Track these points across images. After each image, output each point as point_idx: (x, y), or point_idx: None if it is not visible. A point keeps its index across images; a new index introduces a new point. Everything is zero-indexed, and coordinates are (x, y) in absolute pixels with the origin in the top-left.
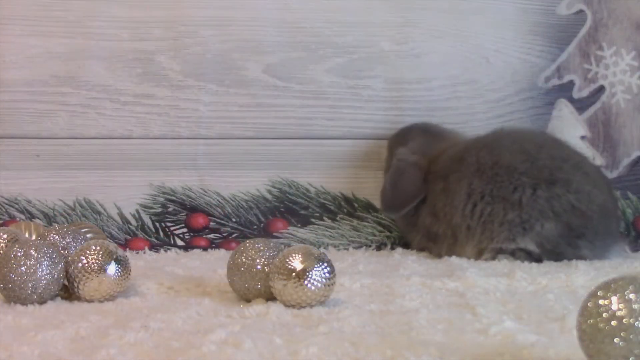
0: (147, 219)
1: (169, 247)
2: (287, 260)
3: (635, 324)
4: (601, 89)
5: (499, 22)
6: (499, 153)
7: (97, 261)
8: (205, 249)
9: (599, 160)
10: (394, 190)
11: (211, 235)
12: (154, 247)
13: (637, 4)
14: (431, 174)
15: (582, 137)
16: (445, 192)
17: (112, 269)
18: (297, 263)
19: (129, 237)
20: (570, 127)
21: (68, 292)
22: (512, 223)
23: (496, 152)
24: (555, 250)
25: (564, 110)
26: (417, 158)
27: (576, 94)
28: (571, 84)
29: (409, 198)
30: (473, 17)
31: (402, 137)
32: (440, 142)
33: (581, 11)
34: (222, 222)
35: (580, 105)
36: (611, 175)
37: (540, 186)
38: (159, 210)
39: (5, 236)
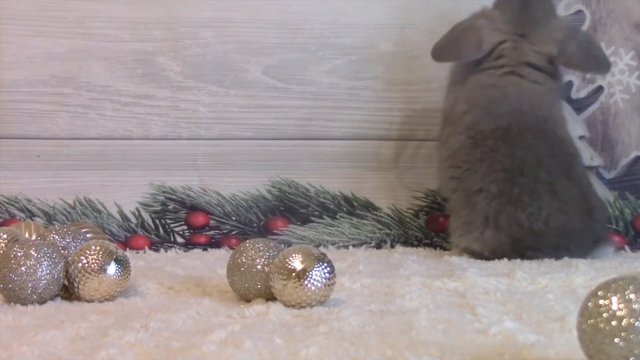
0: (147, 217)
1: (169, 244)
2: (287, 260)
3: (636, 324)
4: (599, 89)
5: None
6: (526, 147)
7: (97, 261)
8: (205, 246)
9: (597, 160)
10: (448, 38)
11: (211, 232)
12: (153, 245)
13: (636, 3)
14: (475, 89)
15: (581, 137)
16: (454, 121)
17: (112, 269)
18: (297, 263)
19: (128, 234)
20: (568, 128)
21: (68, 292)
22: (461, 219)
23: (523, 144)
24: (500, 255)
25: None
26: (484, 25)
27: (574, 95)
28: (569, 84)
29: (452, 54)
30: None
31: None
32: (524, 37)
33: (580, 11)
34: (222, 220)
35: (579, 106)
36: (609, 175)
37: (501, 201)
38: (159, 208)
39: (5, 236)
